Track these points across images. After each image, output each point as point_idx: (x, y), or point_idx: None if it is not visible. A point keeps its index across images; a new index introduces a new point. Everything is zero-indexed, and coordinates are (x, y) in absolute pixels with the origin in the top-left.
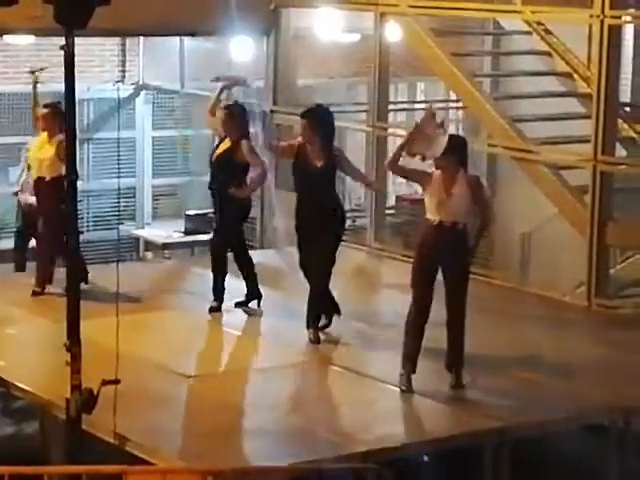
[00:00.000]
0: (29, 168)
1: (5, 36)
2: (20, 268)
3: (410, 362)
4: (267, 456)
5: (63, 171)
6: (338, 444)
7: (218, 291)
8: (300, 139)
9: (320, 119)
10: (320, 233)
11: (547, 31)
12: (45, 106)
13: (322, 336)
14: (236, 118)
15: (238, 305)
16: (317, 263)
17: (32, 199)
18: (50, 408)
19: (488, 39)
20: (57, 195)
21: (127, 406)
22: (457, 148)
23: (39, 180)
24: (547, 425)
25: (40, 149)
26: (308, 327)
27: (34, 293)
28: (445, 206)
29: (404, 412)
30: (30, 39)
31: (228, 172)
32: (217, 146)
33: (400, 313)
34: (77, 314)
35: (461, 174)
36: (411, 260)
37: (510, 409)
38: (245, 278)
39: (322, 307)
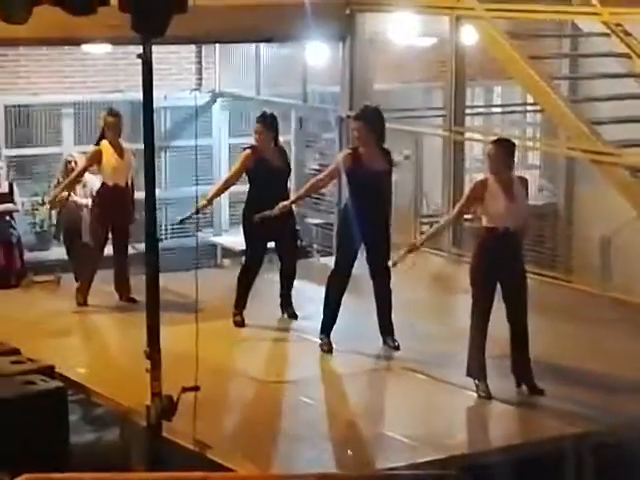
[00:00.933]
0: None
1: (83, 45)
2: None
3: (482, 368)
4: (347, 462)
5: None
6: (417, 450)
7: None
8: (355, 143)
9: (374, 119)
10: (380, 240)
11: (626, 32)
12: (111, 114)
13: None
14: (271, 128)
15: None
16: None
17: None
18: (130, 415)
19: (565, 41)
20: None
21: (207, 413)
22: (510, 151)
23: (115, 187)
24: (628, 431)
25: (113, 156)
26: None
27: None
28: (512, 211)
29: (483, 418)
30: (107, 48)
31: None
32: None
33: None
34: (157, 321)
35: (514, 176)
36: None
37: (590, 415)
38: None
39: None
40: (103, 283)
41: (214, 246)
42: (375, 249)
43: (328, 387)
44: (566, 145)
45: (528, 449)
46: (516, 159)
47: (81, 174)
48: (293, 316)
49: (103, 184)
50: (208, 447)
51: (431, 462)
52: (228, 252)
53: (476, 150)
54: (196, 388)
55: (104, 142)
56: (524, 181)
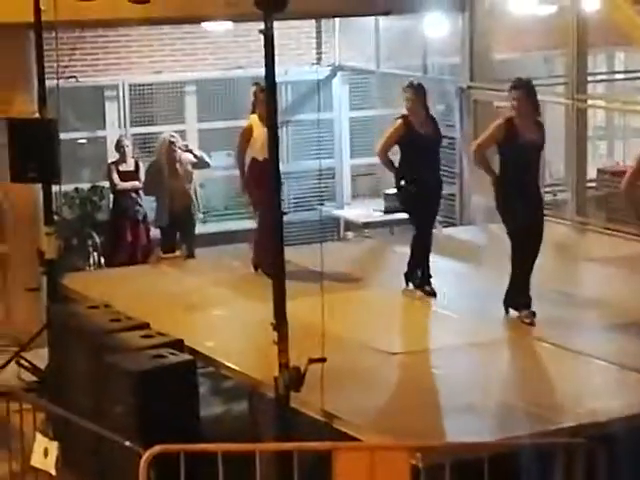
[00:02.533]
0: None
1: (204, 23)
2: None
3: None
4: (473, 432)
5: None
6: (546, 419)
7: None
8: (511, 113)
9: (533, 90)
10: (535, 211)
11: None
12: (262, 88)
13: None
14: (422, 97)
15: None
16: (531, 241)
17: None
18: (259, 387)
19: None
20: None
21: (333, 384)
22: None
23: (265, 162)
24: None
25: (263, 131)
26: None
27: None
28: None
29: (614, 387)
30: (228, 25)
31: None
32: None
33: (603, 286)
34: (283, 294)
35: None
36: (613, 233)
37: None
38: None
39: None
40: (230, 257)
41: (336, 219)
42: (533, 219)
43: (453, 357)
44: None
45: None
46: None
47: (241, 153)
48: (432, 294)
49: (253, 159)
50: (336, 417)
51: (560, 430)
52: (350, 225)
53: (599, 118)
54: (323, 359)
55: (253, 116)
56: None
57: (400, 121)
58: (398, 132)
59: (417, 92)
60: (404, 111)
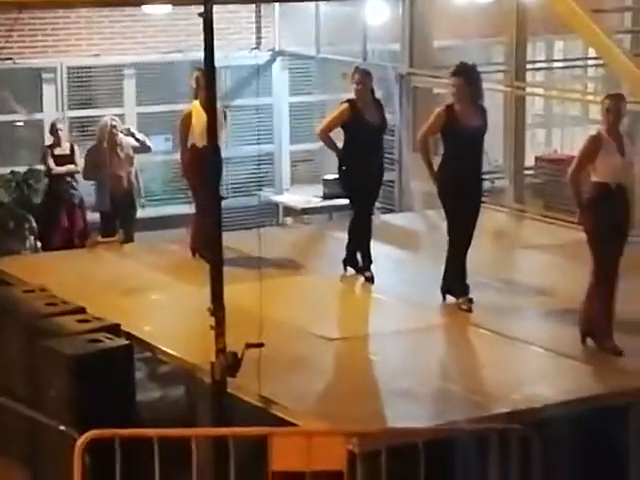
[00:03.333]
0: None
1: (144, 6)
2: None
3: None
4: (409, 417)
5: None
6: (481, 405)
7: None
8: (451, 100)
9: (473, 75)
10: (475, 197)
11: None
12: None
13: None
14: (369, 83)
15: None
16: (468, 226)
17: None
18: (195, 372)
19: None
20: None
21: (271, 369)
22: (625, 105)
23: (205, 149)
24: None
25: (203, 117)
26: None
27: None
28: (624, 166)
29: (548, 373)
30: (168, 9)
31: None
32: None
33: (540, 274)
34: (220, 279)
35: (623, 133)
36: (551, 220)
37: None
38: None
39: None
40: (167, 242)
41: (275, 205)
42: (471, 204)
43: (391, 343)
44: (629, 99)
45: (594, 402)
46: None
47: (182, 139)
48: (371, 280)
49: (192, 145)
50: (272, 403)
51: (495, 416)
52: (289, 210)
53: (538, 106)
54: (260, 345)
55: (195, 102)
56: (629, 138)
57: (346, 104)
58: (343, 115)
59: (365, 77)
60: (349, 96)
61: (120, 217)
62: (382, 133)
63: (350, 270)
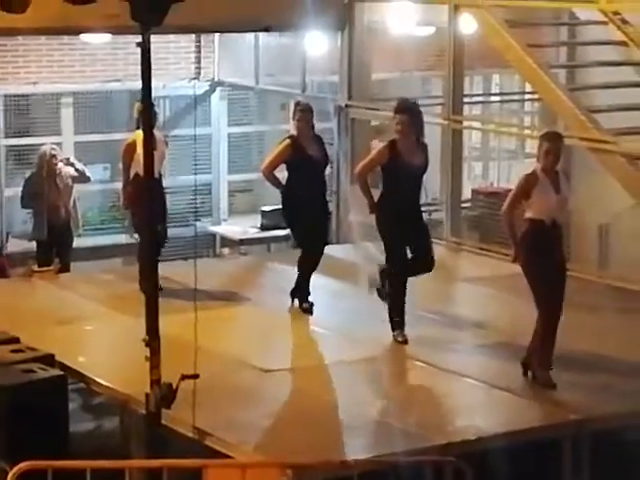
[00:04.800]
0: None
1: (82, 35)
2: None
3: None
4: (344, 449)
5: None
6: (416, 437)
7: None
8: (396, 136)
9: (417, 113)
10: (420, 231)
11: (623, 20)
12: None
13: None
14: (310, 118)
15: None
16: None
17: None
18: (130, 403)
19: (563, 30)
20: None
21: (206, 401)
22: (560, 145)
23: (137, 177)
24: (627, 418)
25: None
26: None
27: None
28: (559, 203)
29: (482, 405)
30: (106, 37)
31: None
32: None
33: (476, 306)
34: (156, 310)
35: (559, 170)
36: (487, 253)
37: (589, 402)
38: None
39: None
40: (103, 272)
41: (213, 235)
42: (418, 241)
43: (328, 375)
44: (564, 133)
45: (528, 435)
46: None
47: (125, 168)
48: (309, 311)
49: (136, 174)
50: (207, 434)
51: (430, 448)
52: (227, 241)
53: (474, 139)
54: (195, 376)
55: (138, 132)
56: (565, 174)
57: (288, 141)
58: (286, 152)
59: (305, 113)
60: (288, 127)
61: (57, 246)
62: (324, 168)
63: (296, 302)
